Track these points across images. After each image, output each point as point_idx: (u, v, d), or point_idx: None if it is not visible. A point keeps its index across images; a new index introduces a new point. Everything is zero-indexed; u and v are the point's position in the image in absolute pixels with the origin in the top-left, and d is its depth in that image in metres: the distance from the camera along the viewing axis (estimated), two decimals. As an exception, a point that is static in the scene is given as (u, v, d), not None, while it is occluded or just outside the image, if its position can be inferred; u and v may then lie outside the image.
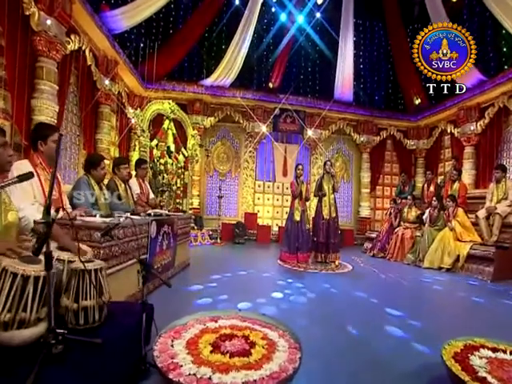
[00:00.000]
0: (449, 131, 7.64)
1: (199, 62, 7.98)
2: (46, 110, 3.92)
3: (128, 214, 2.98)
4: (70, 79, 4.77)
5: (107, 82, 5.64)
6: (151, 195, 4.27)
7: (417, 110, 8.40)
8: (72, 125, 5.21)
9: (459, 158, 6.97)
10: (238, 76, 7.71)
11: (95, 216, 2.30)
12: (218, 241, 6.99)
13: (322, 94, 8.48)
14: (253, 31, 7.25)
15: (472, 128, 6.83)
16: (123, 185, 3.41)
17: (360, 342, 2.19)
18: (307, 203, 5.38)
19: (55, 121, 4.10)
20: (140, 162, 4.21)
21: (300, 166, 5.12)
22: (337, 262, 5.03)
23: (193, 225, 7.14)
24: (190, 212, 7.25)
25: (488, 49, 6.80)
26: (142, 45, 7.15)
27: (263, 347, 1.45)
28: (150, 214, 3.37)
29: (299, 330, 2.21)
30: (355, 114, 8.44)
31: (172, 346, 1.46)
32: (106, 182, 3.62)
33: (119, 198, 3.23)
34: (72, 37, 4.49)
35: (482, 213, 4.89)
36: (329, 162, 5.23)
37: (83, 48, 4.89)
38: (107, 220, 1.91)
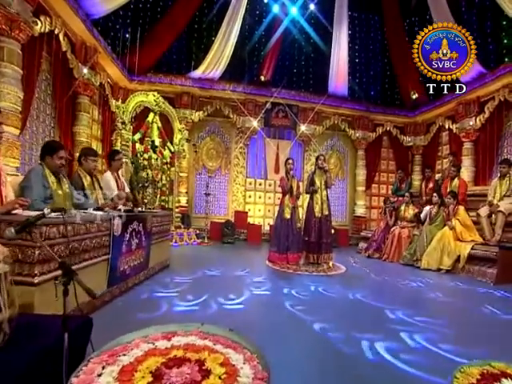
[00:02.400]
0: (447, 127, 7.37)
1: (187, 53, 7.61)
2: (7, 95, 3.56)
3: (91, 210, 2.65)
4: (40, 65, 4.39)
5: (85, 70, 5.26)
6: (126, 189, 3.90)
7: (414, 105, 8.11)
8: (45, 115, 4.83)
9: (457, 154, 6.69)
10: (228, 69, 7.35)
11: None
12: (206, 240, 6.64)
13: (315, 88, 8.13)
14: (241, 20, 6.91)
15: (471, 123, 6.56)
16: (89, 177, 3.05)
17: (350, 359, 1.85)
18: (298, 201, 5.05)
19: (19, 108, 3.74)
20: (113, 154, 3.79)
21: (290, 161, 4.79)
22: (330, 263, 4.71)
23: (180, 223, 6.81)
24: (177, 210, 6.91)
25: (488, 40, 6.53)
26: (127, 35, 6.76)
27: (220, 377, 1.09)
28: (120, 210, 3.05)
29: (277, 345, 1.86)
30: (350, 109, 8.13)
31: (99, 375, 1.10)
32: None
33: (85, 195, 2.89)
34: (42, 18, 4.11)
35: (483, 211, 4.59)
36: (321, 157, 4.90)
37: (56, 32, 4.50)
38: (33, 214, 1.56)
